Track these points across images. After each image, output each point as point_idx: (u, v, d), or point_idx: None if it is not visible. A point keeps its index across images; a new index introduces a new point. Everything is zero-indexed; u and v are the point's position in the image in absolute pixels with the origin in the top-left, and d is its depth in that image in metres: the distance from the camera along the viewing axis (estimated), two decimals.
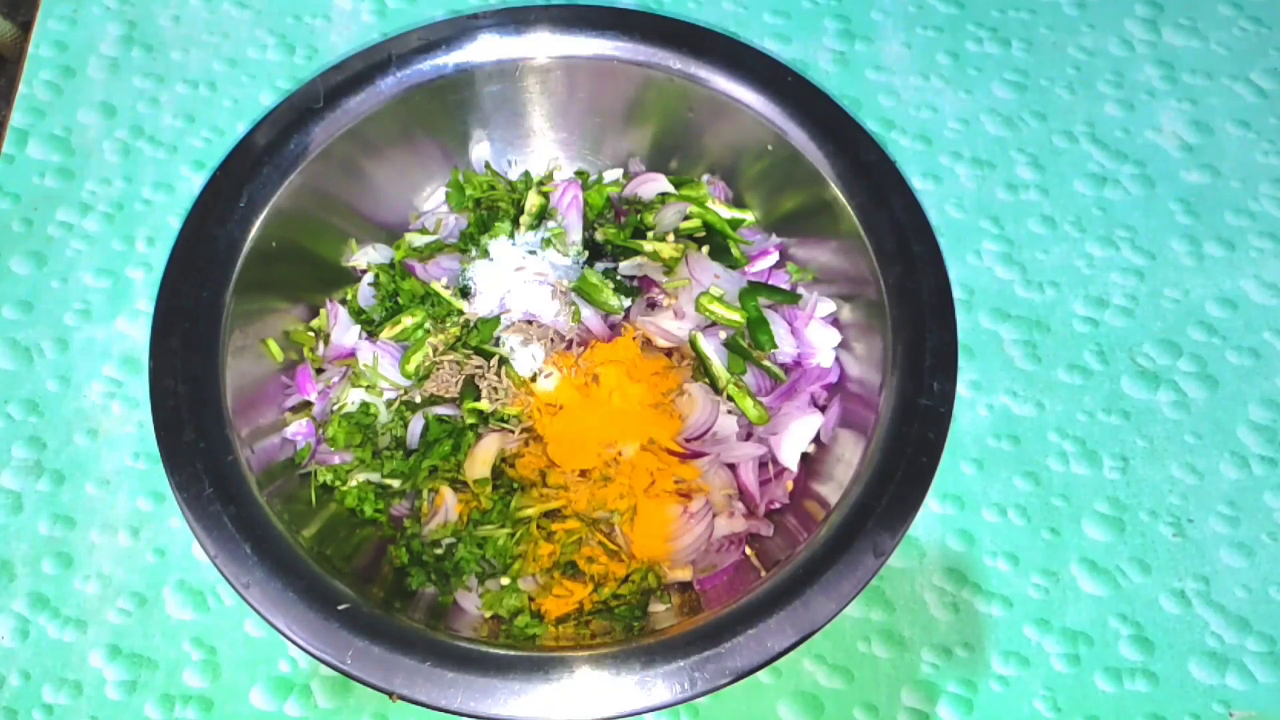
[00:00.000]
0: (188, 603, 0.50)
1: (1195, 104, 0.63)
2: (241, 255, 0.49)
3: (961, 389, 0.47)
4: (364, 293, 0.54)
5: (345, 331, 0.52)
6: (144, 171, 0.60)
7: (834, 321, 0.53)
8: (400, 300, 0.52)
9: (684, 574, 0.48)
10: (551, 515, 0.48)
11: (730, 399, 0.50)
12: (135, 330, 0.56)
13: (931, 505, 0.53)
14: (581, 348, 0.51)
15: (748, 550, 0.49)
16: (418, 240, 0.55)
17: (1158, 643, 0.50)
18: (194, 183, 0.59)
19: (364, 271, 0.54)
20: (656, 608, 0.47)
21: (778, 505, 0.51)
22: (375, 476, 0.49)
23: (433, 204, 0.57)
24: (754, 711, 0.48)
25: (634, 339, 0.51)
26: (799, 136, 0.51)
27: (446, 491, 0.48)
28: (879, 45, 0.64)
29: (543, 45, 0.53)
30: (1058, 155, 0.62)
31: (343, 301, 0.53)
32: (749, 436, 0.51)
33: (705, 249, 0.53)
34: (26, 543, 0.51)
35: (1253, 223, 0.60)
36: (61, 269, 0.57)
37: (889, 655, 0.50)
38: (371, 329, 0.52)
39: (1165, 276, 0.59)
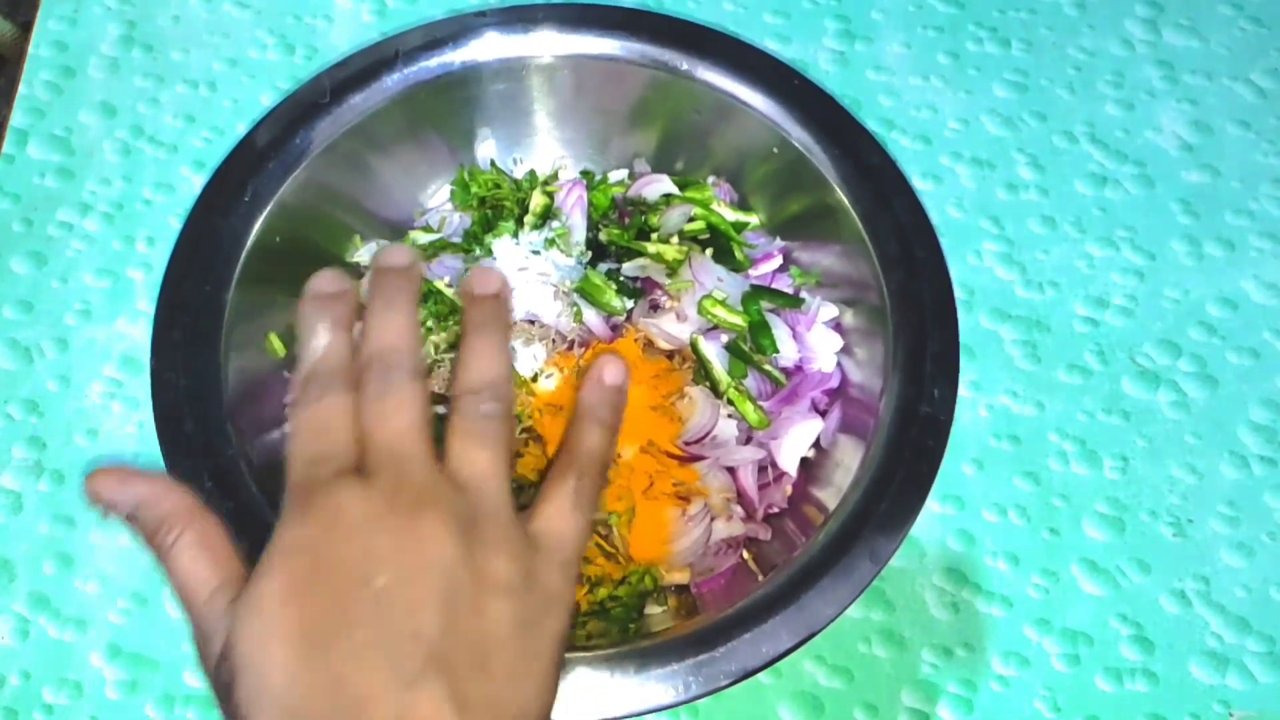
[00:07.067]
0: None
1: (1195, 104, 0.64)
2: (245, 249, 0.48)
3: (962, 389, 0.48)
4: (367, 289, 0.53)
5: None
6: (144, 171, 0.60)
7: (836, 326, 0.53)
8: None
9: (681, 576, 0.48)
10: None
11: (731, 403, 0.50)
12: (135, 330, 0.56)
13: (932, 505, 0.53)
14: (583, 348, 0.51)
15: (745, 554, 0.49)
16: (421, 238, 0.55)
17: (1158, 643, 0.50)
18: (194, 183, 0.59)
19: (367, 268, 0.54)
20: (653, 610, 0.47)
21: (776, 509, 0.51)
22: None
23: (438, 201, 0.57)
24: (754, 712, 0.48)
25: (635, 340, 0.51)
26: (804, 139, 0.51)
27: None
28: (879, 45, 0.65)
29: (548, 44, 0.53)
30: (1058, 155, 0.62)
31: None
32: (749, 440, 0.51)
33: (709, 251, 0.53)
34: (26, 543, 0.51)
35: (1253, 223, 0.60)
36: (61, 269, 0.57)
37: (889, 655, 0.50)
38: None
39: (1165, 276, 0.59)
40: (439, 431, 0.48)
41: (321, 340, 0.36)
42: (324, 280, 0.38)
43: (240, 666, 0.30)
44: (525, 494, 0.48)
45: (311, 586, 0.30)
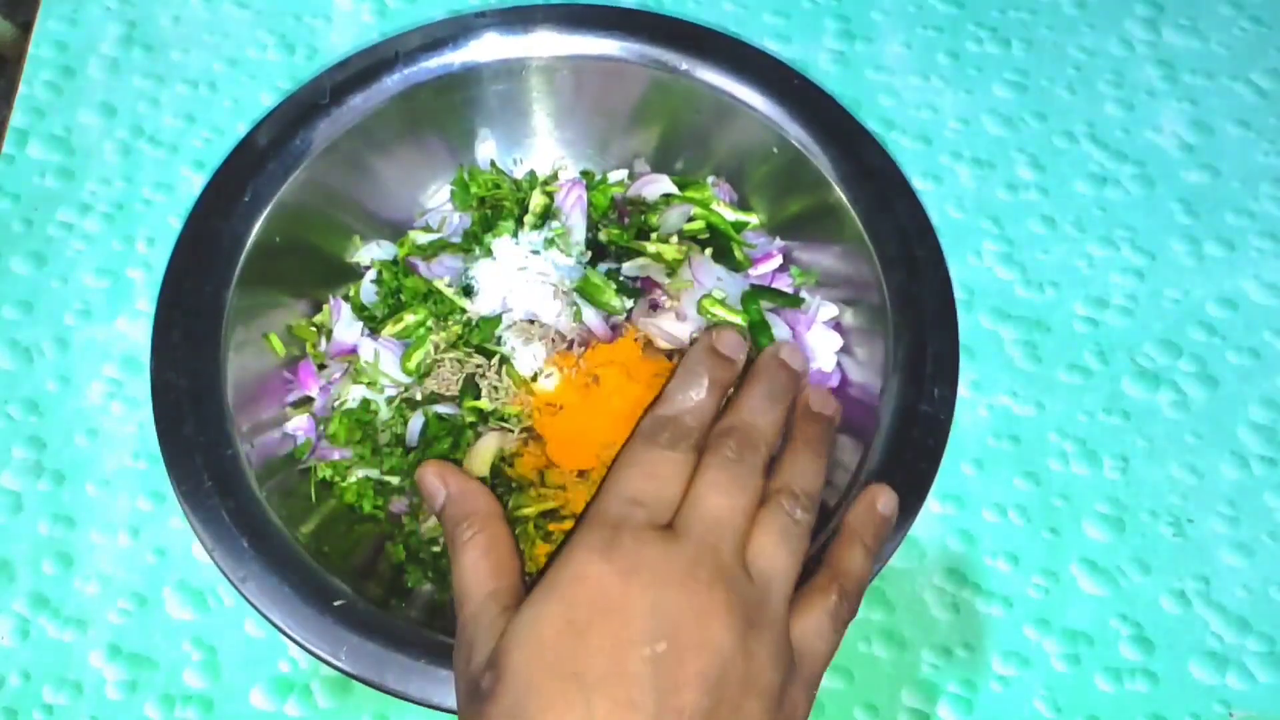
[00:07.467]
0: (188, 603, 0.50)
1: (1195, 104, 0.64)
2: (245, 250, 0.49)
3: (962, 389, 0.48)
4: (367, 289, 0.54)
5: (348, 328, 0.52)
6: (144, 171, 0.60)
7: (836, 326, 0.53)
8: (403, 297, 0.52)
9: None
10: (549, 515, 0.48)
11: None
12: (135, 330, 0.56)
13: (932, 505, 0.53)
14: (583, 348, 0.51)
15: None
16: (421, 238, 0.54)
17: (1158, 643, 0.50)
18: (194, 183, 0.59)
19: (367, 268, 0.55)
20: None
21: None
22: (374, 473, 0.49)
23: (438, 201, 0.57)
24: None
25: (635, 340, 0.51)
26: (804, 139, 0.51)
27: None
28: (879, 45, 0.65)
29: (548, 45, 0.53)
30: (1058, 155, 0.62)
31: (345, 298, 0.53)
32: None
33: (709, 251, 0.53)
34: (26, 543, 0.51)
35: (1253, 223, 0.60)
36: (61, 269, 0.57)
37: (889, 655, 0.50)
38: (374, 325, 0.52)
39: (1165, 276, 0.59)
40: (452, 426, 0.49)
41: (698, 394, 0.39)
42: (728, 342, 0.42)
43: (504, 681, 0.30)
44: (524, 493, 0.48)
45: (593, 625, 0.31)
